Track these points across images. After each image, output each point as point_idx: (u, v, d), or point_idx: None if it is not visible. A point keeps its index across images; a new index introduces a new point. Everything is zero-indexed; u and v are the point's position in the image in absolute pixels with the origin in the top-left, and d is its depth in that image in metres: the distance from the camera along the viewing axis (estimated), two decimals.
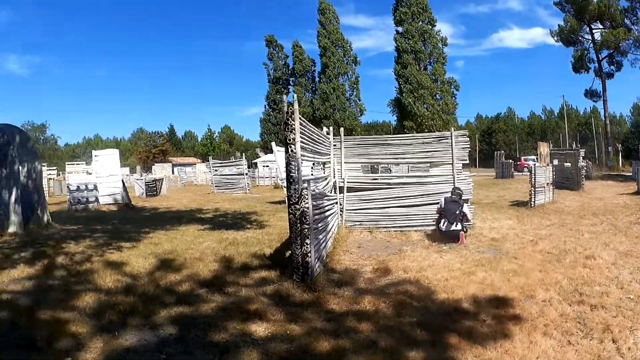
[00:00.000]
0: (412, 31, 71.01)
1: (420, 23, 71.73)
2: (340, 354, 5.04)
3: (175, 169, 77.54)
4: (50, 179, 42.58)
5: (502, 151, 54.28)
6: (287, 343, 5.35)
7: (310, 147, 10.30)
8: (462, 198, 12.40)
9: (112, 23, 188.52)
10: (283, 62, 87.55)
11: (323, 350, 5.14)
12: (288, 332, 5.67)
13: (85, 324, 6.10)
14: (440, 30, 74.10)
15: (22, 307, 6.88)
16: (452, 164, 13.79)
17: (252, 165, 58.79)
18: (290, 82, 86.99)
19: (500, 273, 8.44)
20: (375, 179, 15.90)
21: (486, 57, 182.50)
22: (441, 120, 68.57)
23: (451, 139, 13.89)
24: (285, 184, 23.30)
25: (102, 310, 6.62)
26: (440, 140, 14.26)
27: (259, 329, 5.80)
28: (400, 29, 72.68)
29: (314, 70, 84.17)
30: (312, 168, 13.72)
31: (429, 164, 14.89)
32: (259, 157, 79.38)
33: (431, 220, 13.13)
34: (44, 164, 30.04)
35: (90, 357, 5.19)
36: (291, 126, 8.07)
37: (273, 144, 24.30)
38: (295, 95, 7.94)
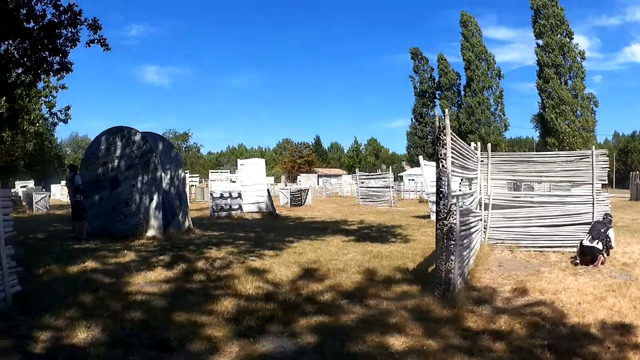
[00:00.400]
0: (551, 44, 70.68)
1: (559, 36, 71.15)
2: None
3: (321, 179, 79.66)
4: (192, 186, 45.49)
5: (638, 172, 49.90)
6: (423, 358, 5.45)
7: (459, 163, 10.23)
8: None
9: (260, 35, 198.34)
10: (429, 75, 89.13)
11: None
12: (425, 347, 5.77)
13: (222, 328, 6.41)
14: (578, 44, 73.24)
15: (157, 308, 7.39)
16: (592, 183, 13.49)
17: (397, 179, 59.27)
18: (436, 95, 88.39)
19: (629, 300, 8.18)
20: (518, 197, 15.48)
21: (619, 71, 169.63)
22: (581, 138, 67.51)
23: (592, 158, 13.51)
24: (431, 199, 23.38)
25: (241, 315, 6.94)
26: (581, 159, 14.00)
27: (397, 342, 5.91)
28: (540, 41, 72.62)
29: (459, 84, 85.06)
30: (460, 184, 13.64)
31: (570, 184, 14.82)
32: (405, 170, 79.86)
33: (570, 241, 12.87)
34: (186, 171, 32.06)
35: None
36: (442, 141, 8.11)
37: (420, 157, 24.33)
38: (447, 110, 7.88)
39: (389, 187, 36.94)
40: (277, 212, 26.69)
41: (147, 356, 5.50)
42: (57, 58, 15.41)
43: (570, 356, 5.55)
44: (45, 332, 6.14)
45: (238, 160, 29.59)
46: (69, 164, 14.39)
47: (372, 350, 5.65)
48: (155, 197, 15.60)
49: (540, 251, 13.08)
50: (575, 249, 12.16)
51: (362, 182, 38.62)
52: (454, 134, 8.97)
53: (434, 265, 8.44)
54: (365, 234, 17.33)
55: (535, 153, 17.03)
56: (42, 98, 22.90)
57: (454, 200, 7.99)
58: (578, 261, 11.27)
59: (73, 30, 15.18)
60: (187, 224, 17.33)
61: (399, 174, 78.71)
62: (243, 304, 7.53)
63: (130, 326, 6.50)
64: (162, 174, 16.01)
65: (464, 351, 5.58)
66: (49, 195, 35.89)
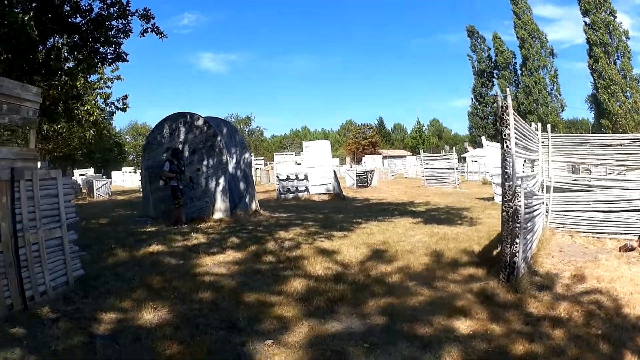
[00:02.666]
0: (597, 22, 68.87)
1: (604, 14, 69.13)
2: (532, 358, 5.24)
3: (385, 161, 79.60)
4: (257, 168, 46.18)
5: None
6: (486, 343, 5.59)
7: (522, 144, 10.11)
8: None
9: (319, 17, 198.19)
10: (486, 54, 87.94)
11: (517, 353, 5.35)
12: (489, 332, 5.92)
13: (292, 308, 6.62)
14: (621, 22, 71.27)
15: (226, 289, 7.61)
16: None
17: (460, 160, 58.74)
18: (494, 74, 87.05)
19: None
20: (577, 180, 15.07)
21: None
22: (633, 121, 65.75)
23: None
24: (494, 180, 22.97)
25: (311, 296, 7.15)
26: (634, 142, 13.44)
27: (462, 326, 6.08)
28: (587, 19, 70.62)
29: (515, 63, 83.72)
30: (523, 165, 13.44)
31: (624, 168, 14.45)
32: (467, 151, 78.97)
33: (625, 229, 12.53)
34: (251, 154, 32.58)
35: (292, 341, 5.57)
36: (506, 121, 8.06)
37: (483, 138, 23.93)
38: (508, 90, 7.75)
39: (453, 169, 36.66)
40: (344, 193, 26.80)
41: (216, 336, 5.68)
42: (111, 49, 15.92)
43: (621, 347, 5.57)
44: (109, 313, 6.40)
45: (303, 142, 29.84)
46: (172, 149, 14.68)
47: (439, 333, 5.80)
48: (222, 180, 15.95)
49: (597, 237, 12.81)
50: (628, 237, 11.99)
51: (427, 164, 38.40)
52: (516, 114, 8.92)
53: (499, 249, 8.67)
54: (432, 215, 17.32)
55: (592, 135, 16.59)
56: (97, 90, 23.63)
57: (519, 182, 8.01)
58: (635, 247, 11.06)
59: (124, 22, 15.68)
60: (254, 206, 17.66)
61: (462, 155, 77.98)
62: (312, 285, 7.73)
63: (198, 307, 6.73)
64: (228, 157, 16.33)
65: (525, 337, 5.70)
66: (110, 182, 36.94)
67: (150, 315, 6.29)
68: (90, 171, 47.82)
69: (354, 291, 7.38)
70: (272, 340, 5.55)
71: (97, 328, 5.98)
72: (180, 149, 15.90)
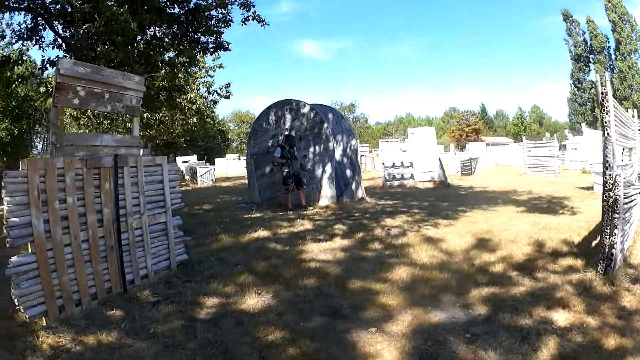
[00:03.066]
0: None
1: None
2: (622, 353, 5.15)
3: (488, 148, 78.30)
4: (362, 155, 46.23)
5: None
6: (581, 336, 5.52)
7: (621, 131, 9.56)
8: None
9: (419, 3, 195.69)
10: (581, 39, 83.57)
11: (609, 347, 5.26)
12: (584, 324, 5.83)
13: (396, 296, 6.59)
14: None
15: (331, 275, 7.67)
16: None
17: (561, 147, 56.81)
18: (590, 59, 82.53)
19: None
20: None
21: None
22: None
23: None
24: (594, 169, 21.99)
25: (415, 284, 7.14)
26: None
27: (560, 318, 6.01)
28: None
29: (609, 47, 78.91)
30: (622, 153, 12.82)
31: None
32: (567, 138, 76.34)
33: None
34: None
35: (396, 330, 5.54)
36: (606, 108, 7.65)
37: (583, 125, 22.89)
38: (607, 74, 7.45)
39: (554, 156, 35.52)
40: (448, 181, 26.43)
41: (320, 322, 5.73)
42: (212, 38, 16.25)
43: None
44: (212, 298, 6.57)
45: (408, 129, 29.56)
46: (285, 135, 15.02)
47: (537, 324, 5.77)
48: (328, 167, 16.05)
49: None
50: None
51: (529, 151, 37.43)
52: (615, 100, 8.51)
53: (598, 240, 8.50)
54: (535, 204, 16.83)
55: None
56: (199, 79, 24.20)
57: (618, 171, 7.68)
58: None
59: (223, 11, 15.98)
60: (360, 193, 17.65)
61: (562, 143, 75.54)
62: (417, 273, 7.69)
63: (303, 293, 6.82)
64: (334, 144, 16.39)
65: (618, 331, 5.59)
66: (214, 169, 37.84)
67: (253, 301, 6.39)
68: (193, 158, 49.10)
69: (457, 280, 7.35)
70: (376, 328, 5.54)
71: (199, 312, 6.14)
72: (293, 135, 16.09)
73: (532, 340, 5.26)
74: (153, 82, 15.58)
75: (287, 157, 14.93)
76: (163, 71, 15.53)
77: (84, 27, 13.22)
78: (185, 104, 26.91)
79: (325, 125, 16.16)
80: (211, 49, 16.82)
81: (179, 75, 16.55)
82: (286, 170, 14.95)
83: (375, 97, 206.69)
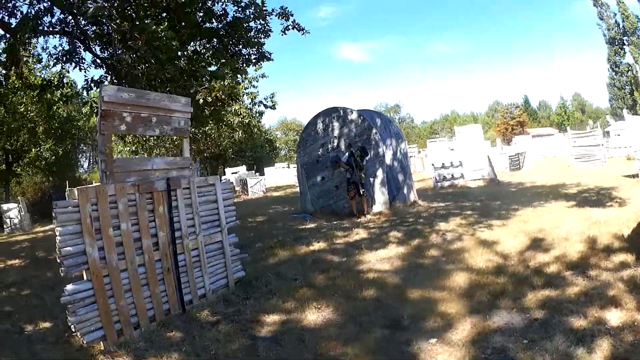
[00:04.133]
0: None
1: None
2: None
3: (534, 140, 77.21)
4: (411, 156, 46.12)
5: None
6: (633, 334, 5.44)
7: None
8: None
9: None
10: (613, 21, 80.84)
11: None
12: (635, 322, 5.72)
13: (455, 304, 6.63)
14: None
15: (390, 285, 7.72)
16: None
17: (604, 135, 55.44)
18: (624, 41, 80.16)
19: None
20: None
21: None
22: None
23: None
24: (637, 156, 21.46)
25: (473, 290, 7.13)
26: None
27: (613, 317, 5.91)
28: None
29: None
30: None
31: None
32: (609, 125, 74.70)
33: None
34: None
35: (456, 339, 5.58)
36: None
37: (625, 111, 22.34)
38: None
39: (599, 145, 34.75)
40: (498, 178, 26.18)
41: (380, 335, 5.79)
42: (253, 50, 16.46)
43: None
44: (272, 315, 6.66)
45: (455, 127, 29.42)
46: (360, 147, 15.20)
47: (592, 325, 5.68)
48: (379, 172, 16.10)
49: None
50: None
51: (575, 142, 36.76)
52: None
53: None
54: (584, 198, 16.57)
55: None
56: (243, 90, 24.45)
57: None
58: None
59: (262, 22, 16.11)
60: (412, 197, 17.64)
61: (605, 130, 73.82)
62: (474, 278, 7.68)
63: (362, 305, 6.87)
64: (384, 149, 16.43)
65: None
66: (264, 179, 38.12)
67: (314, 316, 6.49)
68: (242, 169, 49.45)
69: (514, 284, 7.30)
70: (436, 339, 5.58)
71: (259, 330, 6.25)
72: (336, 143, 16.29)
73: (586, 342, 5.25)
74: (200, 97, 15.81)
75: (351, 164, 15.09)
76: (212, 83, 15.77)
77: (123, 47, 13.52)
78: (230, 117, 27.07)
79: (374, 131, 16.22)
80: (253, 60, 17.00)
81: (227, 82, 16.81)
82: (348, 177, 15.21)
83: (419, 96, 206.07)
